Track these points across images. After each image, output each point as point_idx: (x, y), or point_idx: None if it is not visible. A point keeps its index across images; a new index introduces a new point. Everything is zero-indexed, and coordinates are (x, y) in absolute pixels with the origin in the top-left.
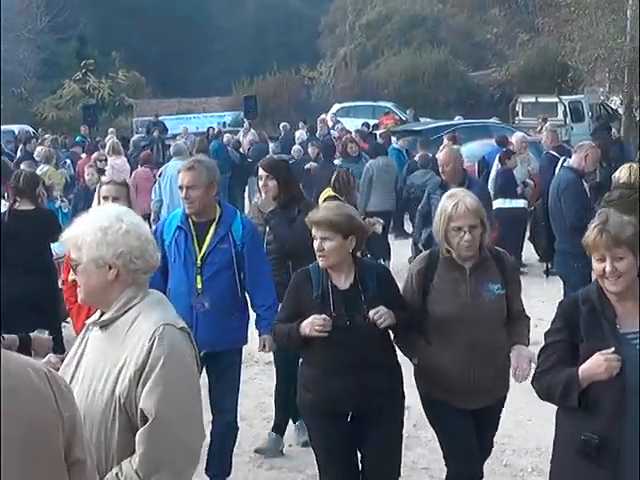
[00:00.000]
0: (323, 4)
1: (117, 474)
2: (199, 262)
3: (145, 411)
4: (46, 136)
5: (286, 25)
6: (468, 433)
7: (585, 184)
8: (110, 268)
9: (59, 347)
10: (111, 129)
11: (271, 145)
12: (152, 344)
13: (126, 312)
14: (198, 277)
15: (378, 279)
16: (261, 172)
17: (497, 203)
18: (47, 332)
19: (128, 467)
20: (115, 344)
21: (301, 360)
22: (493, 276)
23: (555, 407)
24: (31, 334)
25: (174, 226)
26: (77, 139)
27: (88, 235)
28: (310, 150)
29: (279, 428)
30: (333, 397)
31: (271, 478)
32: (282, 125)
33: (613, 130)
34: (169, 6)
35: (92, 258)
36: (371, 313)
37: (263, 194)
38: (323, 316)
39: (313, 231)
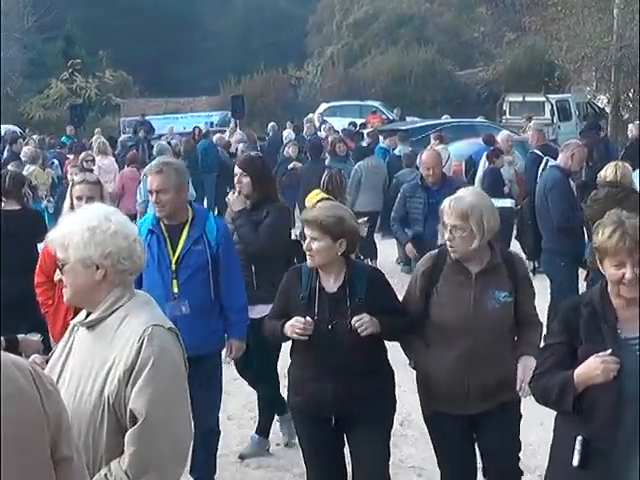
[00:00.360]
0: (310, 3)
1: (106, 475)
2: (174, 266)
3: (135, 412)
4: (34, 136)
5: (273, 24)
6: (465, 455)
7: (572, 183)
8: (98, 268)
9: (46, 349)
10: (97, 129)
11: (259, 145)
12: (141, 344)
13: (113, 312)
14: (174, 281)
15: (369, 283)
16: (236, 169)
17: None
18: (38, 335)
19: (117, 468)
20: (103, 344)
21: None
22: (501, 282)
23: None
24: (19, 336)
25: (145, 230)
26: (63, 139)
27: (75, 235)
28: (290, 150)
29: (263, 430)
30: (316, 401)
31: (258, 477)
32: (270, 125)
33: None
34: (157, 6)
35: (80, 258)
36: (353, 320)
37: (236, 192)
38: (305, 319)
39: (305, 230)
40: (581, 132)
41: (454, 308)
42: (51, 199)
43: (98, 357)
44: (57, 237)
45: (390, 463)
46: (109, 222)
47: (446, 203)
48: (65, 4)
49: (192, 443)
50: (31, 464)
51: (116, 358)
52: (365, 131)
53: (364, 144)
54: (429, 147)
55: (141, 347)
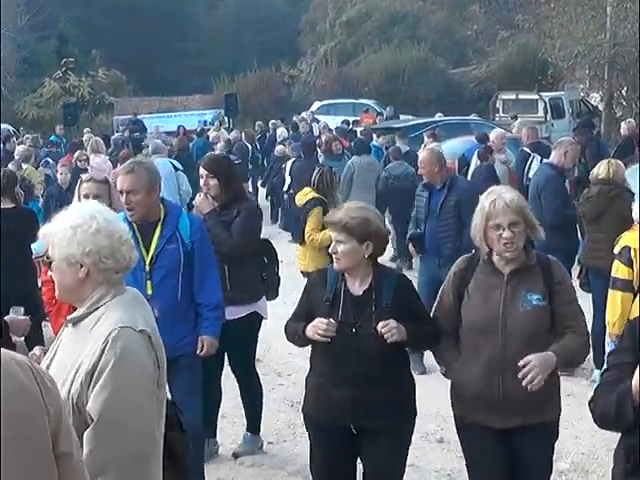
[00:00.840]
0: (303, 2)
1: None
2: (147, 266)
3: (90, 413)
4: (27, 135)
5: (266, 23)
6: (498, 474)
7: (566, 180)
8: (81, 266)
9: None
10: (86, 129)
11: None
12: (105, 346)
13: (94, 311)
14: (148, 282)
15: (396, 288)
16: (202, 171)
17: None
18: (22, 309)
19: None
20: (79, 343)
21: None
22: (535, 285)
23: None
24: (6, 317)
25: None
26: (51, 138)
27: (59, 233)
28: (287, 149)
29: (253, 427)
30: (332, 410)
31: (252, 475)
32: (257, 124)
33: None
34: (150, 5)
35: (63, 256)
36: (380, 325)
37: (202, 194)
38: (328, 320)
39: (330, 232)
40: (574, 129)
41: (483, 309)
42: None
43: (73, 356)
44: (46, 235)
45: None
46: (93, 220)
47: (493, 204)
48: (58, 3)
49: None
50: (33, 460)
51: (84, 358)
52: (358, 129)
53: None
54: (423, 145)
55: (104, 349)
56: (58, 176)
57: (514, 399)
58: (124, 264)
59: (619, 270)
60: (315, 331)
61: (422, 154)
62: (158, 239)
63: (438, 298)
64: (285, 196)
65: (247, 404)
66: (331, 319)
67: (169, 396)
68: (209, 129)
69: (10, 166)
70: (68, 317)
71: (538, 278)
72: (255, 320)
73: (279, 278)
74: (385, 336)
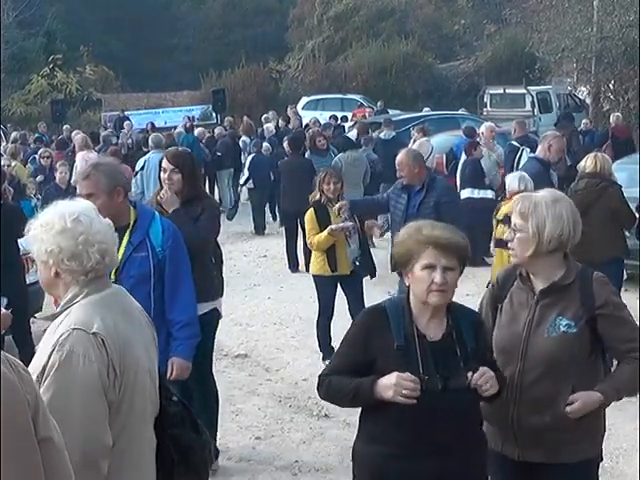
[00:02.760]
0: None
1: None
2: (113, 275)
3: None
4: (14, 133)
5: (254, 18)
6: None
7: (553, 173)
8: (52, 265)
9: (28, 344)
10: (66, 126)
11: (244, 138)
12: (54, 348)
13: (66, 309)
14: None
15: (476, 328)
16: (165, 164)
17: (466, 193)
18: (5, 300)
19: None
20: (45, 343)
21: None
22: (568, 308)
23: None
24: None
25: None
26: (37, 135)
27: (32, 230)
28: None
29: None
30: None
31: (240, 470)
32: (245, 119)
33: (585, 120)
34: (137, 0)
35: (35, 253)
36: (476, 376)
37: (166, 188)
38: (412, 376)
39: (429, 257)
40: (556, 124)
41: (508, 329)
42: (39, 196)
43: (38, 357)
44: (28, 230)
45: None
46: (61, 220)
47: (514, 200)
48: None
49: None
50: (18, 445)
51: (42, 359)
52: (347, 124)
53: (349, 135)
54: (412, 140)
55: (53, 350)
56: (57, 175)
57: (531, 430)
58: (90, 267)
59: (504, 232)
60: (398, 392)
61: (399, 157)
62: (125, 246)
63: (479, 305)
64: (243, 189)
65: (203, 413)
66: (407, 373)
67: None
68: (198, 125)
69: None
70: (40, 315)
71: (574, 300)
72: (214, 317)
73: (223, 278)
74: (482, 389)
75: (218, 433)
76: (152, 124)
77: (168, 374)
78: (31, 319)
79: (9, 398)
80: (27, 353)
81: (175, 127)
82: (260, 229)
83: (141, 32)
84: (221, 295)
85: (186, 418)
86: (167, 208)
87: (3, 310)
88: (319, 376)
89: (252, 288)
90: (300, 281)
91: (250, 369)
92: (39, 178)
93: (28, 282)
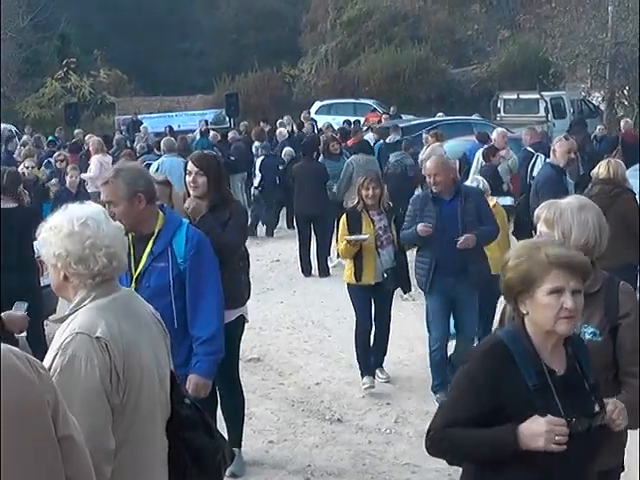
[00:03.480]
0: (304, 2)
1: None
2: (133, 284)
3: None
4: (24, 137)
5: (267, 23)
6: None
7: (569, 180)
8: (61, 269)
9: (42, 345)
10: (77, 130)
11: (257, 143)
12: (56, 353)
13: (73, 313)
14: None
15: (589, 356)
16: (190, 167)
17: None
18: (25, 305)
19: None
20: (52, 347)
21: None
22: (593, 316)
23: None
24: (2, 314)
25: None
26: (49, 139)
27: (42, 233)
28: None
29: (235, 443)
30: None
31: (253, 474)
32: (261, 124)
33: (600, 126)
34: (151, 4)
35: (44, 257)
36: (610, 409)
37: (191, 190)
38: (561, 420)
39: (555, 279)
40: (568, 130)
41: None
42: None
43: (45, 360)
44: (39, 233)
45: (384, 460)
46: (70, 223)
47: (539, 207)
48: (60, 3)
49: None
50: (37, 444)
51: (47, 364)
52: (364, 127)
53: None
54: (426, 145)
55: (56, 355)
56: (67, 179)
57: None
58: (97, 270)
59: None
60: (551, 439)
61: (430, 164)
62: (147, 256)
63: (499, 318)
64: (255, 192)
65: (229, 419)
66: (551, 416)
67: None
68: (213, 128)
69: (27, 163)
70: (52, 318)
71: (599, 308)
72: (240, 324)
73: (250, 280)
74: (615, 423)
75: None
76: (170, 127)
77: (187, 387)
78: (45, 321)
79: (26, 396)
80: (41, 355)
81: (192, 131)
82: (271, 232)
83: (154, 36)
84: (248, 298)
85: (199, 421)
86: (194, 216)
87: (19, 313)
88: (428, 431)
89: (265, 292)
90: (313, 285)
91: (263, 373)
92: (53, 181)
93: (42, 284)
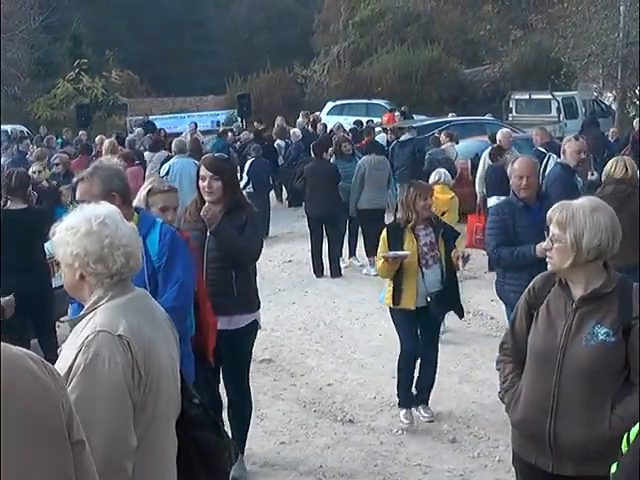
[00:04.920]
0: (316, 2)
1: None
2: None
3: None
4: (36, 136)
5: (279, 23)
6: None
7: (579, 179)
8: (78, 268)
9: (54, 348)
10: (81, 131)
11: (279, 142)
12: (79, 350)
13: (90, 313)
14: None
15: None
16: (204, 172)
17: (492, 200)
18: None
19: None
20: (71, 346)
21: None
22: (606, 316)
23: None
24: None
25: None
26: (58, 141)
27: (58, 233)
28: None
29: (240, 448)
30: None
31: (264, 475)
32: (297, 121)
33: (613, 129)
34: (162, 5)
35: (60, 257)
36: None
37: (206, 196)
38: None
39: None
40: (581, 130)
41: (545, 337)
42: (75, 203)
43: (62, 359)
44: (53, 233)
45: (396, 461)
46: (88, 223)
47: (552, 209)
48: (72, 4)
49: None
50: (53, 449)
51: (67, 361)
52: (378, 128)
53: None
54: (442, 145)
55: (78, 352)
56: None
57: (566, 443)
58: (115, 269)
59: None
60: None
61: (519, 165)
62: None
63: (511, 318)
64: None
65: (234, 427)
66: None
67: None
68: (231, 129)
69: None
70: (65, 319)
71: (613, 308)
72: (253, 329)
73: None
74: None
75: None
76: (195, 124)
77: None
78: (57, 323)
79: (43, 400)
80: (53, 357)
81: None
82: (263, 233)
83: (167, 37)
84: (259, 304)
85: (207, 420)
86: (211, 223)
87: (4, 299)
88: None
89: (277, 293)
90: (325, 286)
91: (275, 374)
92: (67, 186)
93: (54, 286)
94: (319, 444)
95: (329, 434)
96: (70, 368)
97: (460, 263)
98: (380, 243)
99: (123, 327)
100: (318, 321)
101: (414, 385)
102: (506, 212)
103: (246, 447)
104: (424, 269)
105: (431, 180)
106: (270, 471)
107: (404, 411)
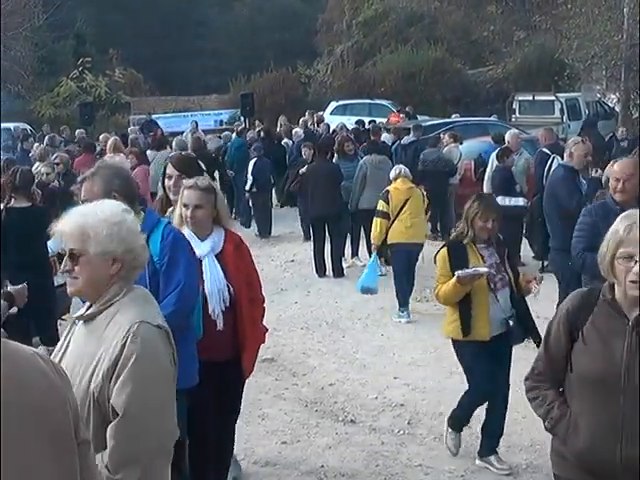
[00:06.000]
0: (320, 2)
1: None
2: None
3: (115, 407)
4: (38, 134)
5: (283, 23)
6: None
7: (582, 181)
8: (114, 262)
9: (56, 344)
10: (78, 130)
11: (286, 140)
12: (126, 341)
13: (107, 308)
14: None
15: None
16: (171, 170)
17: (497, 201)
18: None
19: (100, 461)
20: (93, 340)
21: None
22: None
23: None
24: (9, 289)
25: None
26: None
27: (100, 228)
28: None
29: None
30: None
31: (266, 474)
32: (301, 120)
33: (622, 128)
34: (166, 4)
35: (102, 251)
36: None
37: (171, 195)
38: None
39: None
40: (579, 134)
41: (603, 360)
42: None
43: (87, 353)
44: (74, 228)
45: (398, 462)
46: (128, 218)
47: (628, 229)
48: (76, 3)
49: None
50: (60, 447)
51: (103, 354)
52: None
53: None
54: (444, 145)
55: (125, 343)
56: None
57: (633, 463)
58: (140, 263)
59: (381, 205)
60: None
61: (621, 166)
62: None
63: (545, 334)
64: (247, 195)
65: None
66: None
67: None
68: (248, 129)
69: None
70: (78, 315)
71: None
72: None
73: None
74: None
75: (244, 437)
76: (196, 123)
77: None
78: (59, 321)
79: (51, 399)
80: None
81: (207, 131)
82: (265, 232)
83: (170, 36)
84: None
85: None
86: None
87: (15, 288)
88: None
89: (279, 293)
90: (327, 286)
91: (277, 373)
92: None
93: (56, 284)
94: (320, 444)
95: (330, 434)
96: (116, 360)
97: (534, 286)
98: (439, 262)
99: (157, 318)
100: (320, 321)
101: (481, 428)
102: (599, 215)
103: (247, 446)
104: (495, 293)
105: (391, 176)
106: (271, 470)
107: (453, 435)
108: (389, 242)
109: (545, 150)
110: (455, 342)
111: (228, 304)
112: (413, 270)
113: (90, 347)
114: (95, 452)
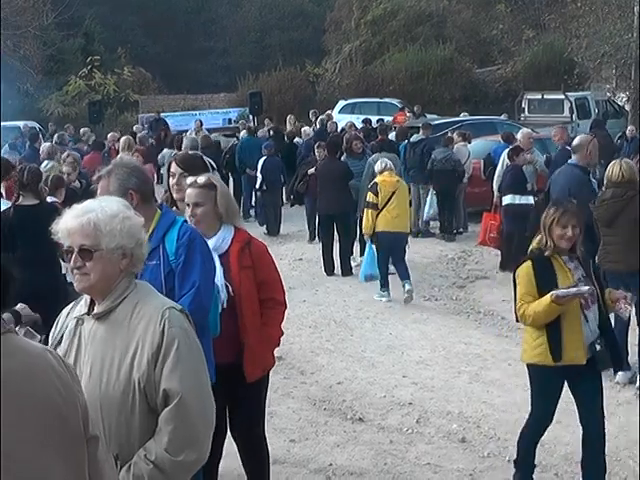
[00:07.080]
0: (329, 1)
1: (145, 456)
2: None
3: (169, 391)
4: (47, 133)
5: (292, 21)
6: None
7: (593, 180)
8: (123, 257)
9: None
10: (83, 129)
11: (297, 139)
12: (163, 327)
13: (121, 302)
14: None
15: None
16: (174, 168)
17: (507, 199)
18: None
19: (155, 447)
20: (121, 333)
21: None
22: None
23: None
24: (17, 308)
25: None
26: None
27: (112, 224)
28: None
29: None
30: None
31: (274, 472)
32: (319, 118)
33: (630, 127)
34: (175, 3)
35: (116, 246)
36: None
37: (175, 193)
38: None
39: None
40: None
41: None
42: None
43: (118, 346)
44: (84, 224)
45: (406, 460)
46: (133, 213)
47: None
48: (84, 1)
49: None
50: (71, 442)
51: (139, 343)
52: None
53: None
54: (454, 144)
55: (164, 329)
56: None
57: None
58: (145, 256)
59: (370, 197)
60: None
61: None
62: None
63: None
64: (258, 194)
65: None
66: None
67: None
68: (259, 127)
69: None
70: (84, 314)
71: None
72: None
73: None
74: None
75: None
76: (200, 122)
77: None
78: None
79: (62, 396)
80: None
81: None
82: (274, 231)
83: (178, 34)
84: None
85: None
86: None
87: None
88: None
89: (287, 291)
90: (335, 284)
91: (285, 372)
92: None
93: (69, 280)
94: (329, 442)
95: (339, 432)
96: (159, 347)
97: (623, 305)
98: (522, 278)
99: (176, 303)
100: (328, 319)
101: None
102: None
103: None
104: (585, 311)
105: (377, 169)
106: (280, 468)
107: None
108: (376, 230)
109: (568, 147)
110: (532, 367)
111: (225, 305)
112: (395, 256)
113: (120, 341)
114: (144, 439)
